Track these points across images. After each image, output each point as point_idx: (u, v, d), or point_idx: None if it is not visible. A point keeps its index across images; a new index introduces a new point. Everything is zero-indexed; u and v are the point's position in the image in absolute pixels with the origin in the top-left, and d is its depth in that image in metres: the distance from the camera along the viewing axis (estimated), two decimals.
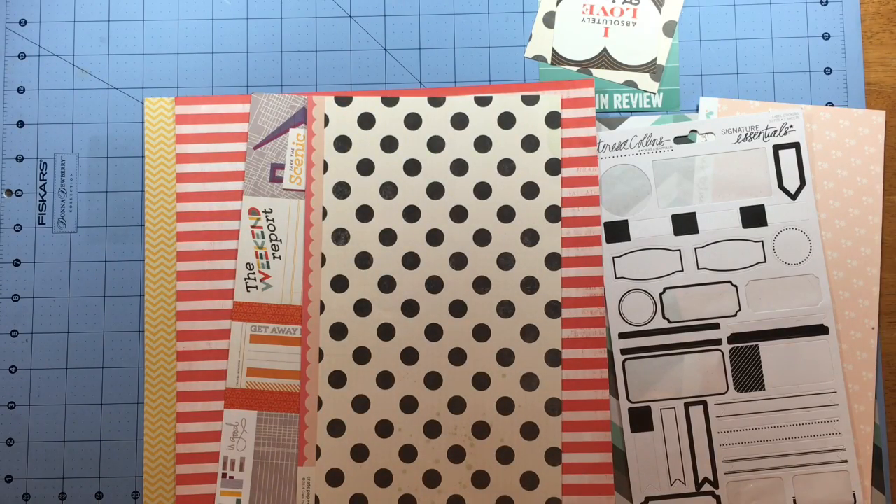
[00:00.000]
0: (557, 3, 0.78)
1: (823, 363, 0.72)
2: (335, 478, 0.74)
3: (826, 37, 0.77)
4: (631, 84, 0.77)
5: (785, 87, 0.76)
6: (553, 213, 0.75)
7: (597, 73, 0.77)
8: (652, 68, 0.77)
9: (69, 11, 0.79)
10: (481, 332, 0.75)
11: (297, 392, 0.75)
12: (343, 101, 0.77)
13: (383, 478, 0.74)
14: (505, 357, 0.75)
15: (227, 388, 0.75)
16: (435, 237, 0.76)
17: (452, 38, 0.78)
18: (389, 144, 0.76)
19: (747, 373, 0.72)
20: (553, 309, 0.75)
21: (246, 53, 0.78)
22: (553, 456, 0.73)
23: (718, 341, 0.72)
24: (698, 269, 0.73)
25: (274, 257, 0.76)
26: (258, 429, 0.75)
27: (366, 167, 0.76)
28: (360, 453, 0.74)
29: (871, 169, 0.74)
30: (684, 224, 0.74)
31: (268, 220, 0.77)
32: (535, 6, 0.78)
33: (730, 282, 0.73)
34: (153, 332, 0.76)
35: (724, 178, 0.74)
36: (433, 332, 0.75)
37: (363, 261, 0.76)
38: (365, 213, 0.76)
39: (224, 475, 0.75)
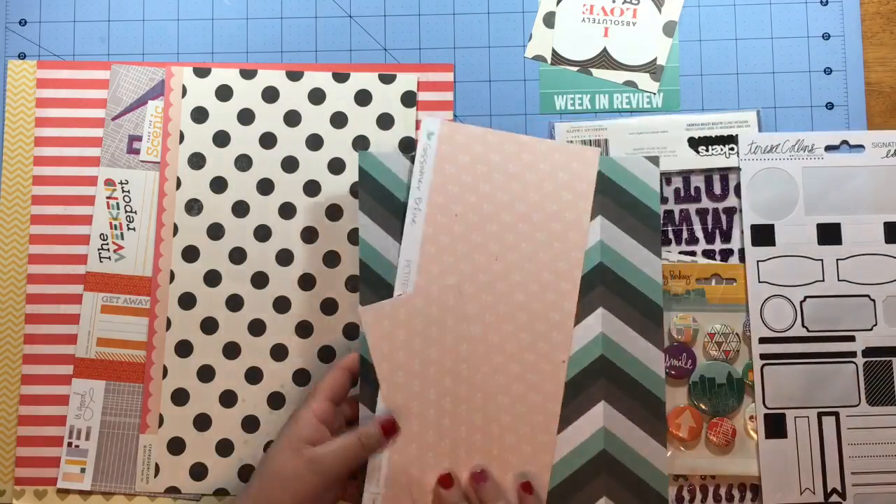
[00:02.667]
0: (557, 3, 0.78)
1: None
2: (176, 446, 0.74)
3: (826, 37, 0.77)
4: (631, 84, 0.77)
5: (785, 87, 0.77)
6: None
7: (597, 73, 0.78)
8: (652, 68, 0.78)
9: (69, 11, 0.79)
10: (329, 306, 0.75)
11: (144, 362, 0.75)
12: (201, 72, 0.77)
13: (224, 447, 0.74)
14: (351, 331, 0.75)
15: (77, 358, 0.75)
16: (287, 211, 0.76)
17: (452, 38, 0.78)
18: (246, 117, 0.77)
19: (880, 387, 0.73)
20: None
21: (246, 53, 0.78)
22: None
23: (853, 354, 0.73)
24: (838, 280, 0.74)
25: (128, 229, 0.76)
26: (105, 398, 0.75)
27: (221, 139, 0.77)
28: (202, 422, 0.74)
29: None
30: (829, 234, 0.74)
31: (123, 191, 0.77)
32: (535, 6, 0.78)
33: (868, 296, 0.74)
34: (3, 295, 0.76)
35: (871, 192, 0.74)
36: (281, 305, 0.75)
37: (215, 232, 0.76)
38: (219, 185, 0.76)
39: (70, 444, 0.75)
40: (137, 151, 0.77)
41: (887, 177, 0.75)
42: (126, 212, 0.76)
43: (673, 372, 0.73)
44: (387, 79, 0.77)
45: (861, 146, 0.75)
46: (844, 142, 0.75)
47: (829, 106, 0.77)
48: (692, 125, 0.76)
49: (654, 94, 0.78)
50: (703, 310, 0.75)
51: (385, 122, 0.77)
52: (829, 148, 0.75)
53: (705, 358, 0.74)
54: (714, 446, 0.73)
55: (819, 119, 0.77)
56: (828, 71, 0.78)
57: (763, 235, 0.75)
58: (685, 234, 0.76)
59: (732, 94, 0.78)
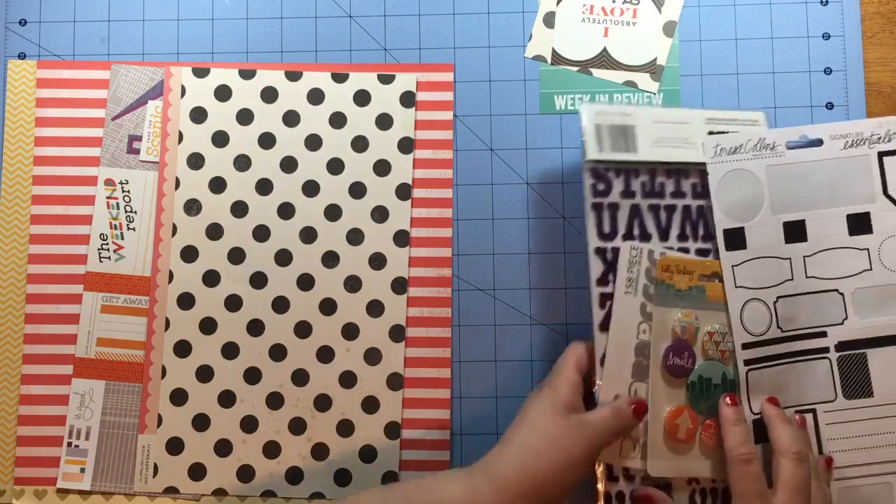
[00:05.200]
0: (557, 3, 0.78)
1: None
2: (175, 446, 0.74)
3: (826, 37, 0.77)
4: (631, 84, 0.77)
5: (785, 87, 0.77)
6: (403, 191, 0.76)
7: (597, 73, 0.78)
8: (652, 68, 0.77)
9: (69, 11, 0.79)
10: (327, 306, 0.75)
11: (143, 362, 0.75)
12: (200, 72, 0.77)
13: (223, 447, 0.74)
14: (350, 331, 0.75)
15: (77, 358, 0.75)
16: (286, 211, 0.76)
17: (452, 38, 0.78)
18: (245, 117, 0.77)
19: (855, 380, 0.73)
20: (399, 285, 0.75)
21: (246, 53, 0.78)
22: (392, 430, 0.74)
23: (826, 349, 0.73)
24: (806, 277, 0.73)
25: (128, 229, 0.76)
26: (105, 398, 0.75)
27: (220, 139, 0.77)
28: (201, 423, 0.75)
29: None
30: (794, 231, 0.73)
31: (123, 191, 0.77)
32: (535, 6, 0.78)
33: (836, 290, 0.73)
34: (3, 295, 0.76)
35: (832, 185, 0.73)
36: (280, 305, 0.75)
37: (214, 232, 0.76)
38: (218, 185, 0.76)
39: (70, 444, 0.75)
40: (137, 151, 0.77)
41: (847, 169, 0.73)
42: (126, 212, 0.77)
43: (674, 371, 0.73)
44: (386, 79, 0.77)
45: (819, 140, 0.74)
46: (803, 136, 0.74)
47: (829, 106, 0.77)
48: (712, 119, 0.75)
49: (654, 94, 0.78)
50: (704, 308, 0.74)
51: (384, 122, 0.77)
52: (790, 144, 0.74)
53: (703, 357, 0.74)
54: (706, 448, 0.73)
55: (819, 119, 0.77)
56: (828, 71, 0.77)
57: (735, 239, 0.73)
58: (701, 231, 0.74)
59: (732, 94, 0.77)
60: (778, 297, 0.73)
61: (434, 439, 0.74)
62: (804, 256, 0.73)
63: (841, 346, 0.73)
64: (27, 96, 0.78)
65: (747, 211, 0.73)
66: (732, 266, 0.73)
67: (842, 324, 0.73)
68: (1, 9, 0.79)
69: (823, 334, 0.73)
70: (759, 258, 0.73)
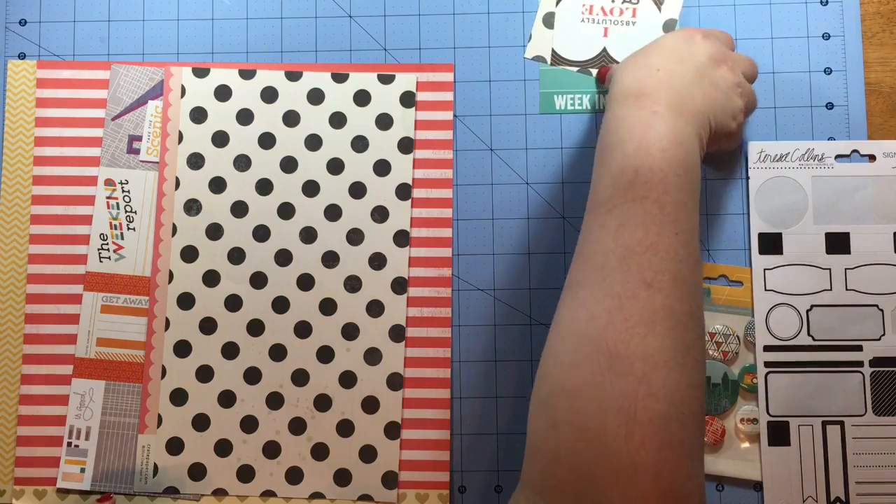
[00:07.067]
0: (557, 4, 0.78)
1: None
2: (175, 446, 0.74)
3: (826, 37, 0.77)
4: None
5: (785, 87, 0.77)
6: (403, 191, 0.76)
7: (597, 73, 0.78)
8: None
9: (69, 11, 0.79)
10: (327, 306, 0.75)
11: (143, 362, 0.75)
12: (200, 72, 0.77)
13: (223, 447, 0.74)
14: (350, 331, 0.75)
15: (77, 358, 0.75)
16: (286, 211, 0.76)
17: (452, 38, 0.78)
18: (245, 117, 0.77)
19: (887, 397, 0.73)
20: (399, 285, 0.75)
21: (246, 53, 0.78)
22: (392, 430, 0.74)
23: (860, 363, 0.73)
24: (846, 289, 0.74)
25: (128, 229, 0.76)
26: (105, 398, 0.75)
27: (220, 139, 0.77)
28: (201, 423, 0.75)
29: None
30: (837, 243, 0.74)
31: (123, 191, 0.77)
32: (535, 6, 0.78)
33: (876, 305, 0.74)
34: (3, 295, 0.76)
35: (881, 202, 0.74)
36: (280, 305, 0.75)
37: (214, 232, 0.76)
38: (218, 185, 0.76)
39: (70, 444, 0.75)
40: (137, 151, 0.77)
41: None
42: (126, 212, 0.77)
43: None
44: (386, 79, 0.77)
45: (872, 156, 0.75)
46: (855, 151, 0.75)
47: (829, 106, 0.77)
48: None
49: None
50: (707, 309, 0.74)
51: (384, 122, 0.77)
52: (839, 157, 0.75)
53: None
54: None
55: (819, 119, 0.77)
56: (828, 71, 0.77)
57: (771, 244, 0.74)
58: None
59: None
60: (812, 306, 0.74)
61: (434, 439, 0.74)
62: (846, 269, 0.74)
63: (876, 362, 0.73)
64: (27, 96, 0.78)
65: (787, 218, 0.74)
66: (764, 269, 0.74)
67: (878, 339, 0.73)
68: (1, 9, 0.79)
69: (859, 348, 0.73)
70: (795, 265, 0.74)
